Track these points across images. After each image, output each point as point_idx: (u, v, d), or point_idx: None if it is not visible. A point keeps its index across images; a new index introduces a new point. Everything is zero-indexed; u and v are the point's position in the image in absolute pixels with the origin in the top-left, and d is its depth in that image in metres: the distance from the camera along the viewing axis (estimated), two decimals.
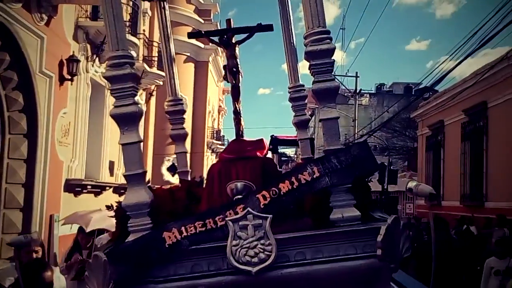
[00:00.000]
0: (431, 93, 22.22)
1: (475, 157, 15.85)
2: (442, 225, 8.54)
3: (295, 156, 46.15)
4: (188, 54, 28.47)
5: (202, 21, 30.25)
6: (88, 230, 7.60)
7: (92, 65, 12.33)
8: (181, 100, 4.55)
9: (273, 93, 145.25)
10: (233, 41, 4.13)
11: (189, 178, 4.52)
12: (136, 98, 3.00)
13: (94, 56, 12.24)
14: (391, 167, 23.11)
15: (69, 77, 10.81)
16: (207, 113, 32.35)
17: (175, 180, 16.64)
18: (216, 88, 38.56)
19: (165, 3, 4.43)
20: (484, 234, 10.61)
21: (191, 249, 2.72)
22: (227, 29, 4.16)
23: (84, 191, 11.97)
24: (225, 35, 4.14)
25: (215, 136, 35.56)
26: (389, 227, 2.65)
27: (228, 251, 2.66)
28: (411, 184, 3.32)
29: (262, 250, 2.66)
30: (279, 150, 14.88)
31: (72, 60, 10.68)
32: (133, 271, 2.65)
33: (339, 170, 2.82)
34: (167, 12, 4.42)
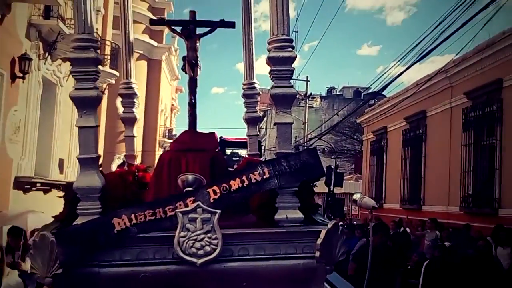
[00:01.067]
0: (376, 99, 23.16)
1: (415, 163, 16.77)
2: (382, 230, 9.09)
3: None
4: (141, 52, 28.37)
5: (156, 19, 30.24)
6: (29, 231, 7.65)
7: (44, 63, 12.32)
8: (135, 83, 4.56)
9: (226, 93, 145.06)
10: (196, 33, 4.17)
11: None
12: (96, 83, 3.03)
13: (46, 54, 12.24)
14: (338, 170, 23.98)
15: (21, 75, 10.82)
16: (159, 112, 32.31)
17: None
18: (169, 87, 38.49)
19: None
20: (417, 236, 11.35)
21: (139, 237, 2.74)
22: (190, 21, 4.20)
23: (34, 188, 11.96)
24: (188, 26, 4.18)
25: (167, 135, 35.47)
26: (328, 231, 2.80)
27: (176, 242, 2.71)
28: (356, 196, 3.74)
29: (208, 243, 2.73)
30: (226, 152, 15.23)
31: (24, 58, 10.71)
32: (80, 254, 2.66)
33: (288, 173, 2.92)
34: (129, 1, 4.48)
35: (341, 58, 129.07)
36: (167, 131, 35.78)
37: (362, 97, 39.69)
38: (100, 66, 11.74)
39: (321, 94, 48.63)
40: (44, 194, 12.79)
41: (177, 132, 41.54)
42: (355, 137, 34.71)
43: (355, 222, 16.66)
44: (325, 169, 23.20)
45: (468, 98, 13.22)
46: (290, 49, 3.07)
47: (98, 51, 3.03)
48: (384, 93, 21.35)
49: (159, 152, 32.73)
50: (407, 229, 12.42)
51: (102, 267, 2.71)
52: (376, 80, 32.19)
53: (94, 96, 2.98)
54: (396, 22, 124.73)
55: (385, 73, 53.20)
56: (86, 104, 2.99)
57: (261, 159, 4.85)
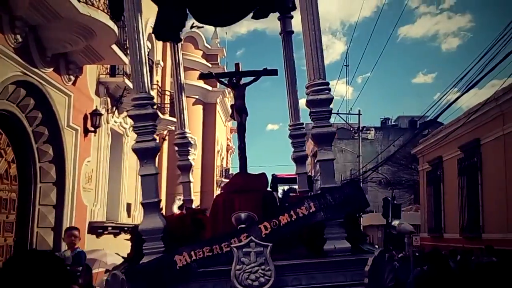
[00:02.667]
0: (429, 130, 23.11)
1: (472, 191, 16.66)
2: (440, 258, 9.07)
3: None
4: (197, 96, 29.62)
5: (210, 65, 31.59)
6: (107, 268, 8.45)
7: (112, 117, 13.48)
8: (188, 133, 4.86)
9: (281, 129, 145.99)
10: (241, 83, 4.47)
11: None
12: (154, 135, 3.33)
13: (114, 108, 13.41)
14: (395, 201, 23.87)
15: (93, 129, 11.94)
16: (216, 152, 33.25)
17: None
18: (224, 128, 39.63)
19: (177, 46, 4.83)
20: (475, 263, 11.31)
21: (199, 271, 2.94)
22: (235, 72, 4.50)
23: (105, 232, 12.91)
24: (234, 77, 4.48)
25: (224, 174, 36.31)
26: (375, 259, 2.93)
27: (232, 275, 2.89)
28: (395, 223, 4.10)
29: (262, 275, 2.90)
30: (279, 188, 15.64)
31: (96, 114, 11.84)
32: None
33: (333, 206, 3.06)
34: (180, 52, 4.83)
35: (395, 88, 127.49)
36: (223, 170, 36.63)
37: (417, 126, 39.14)
38: (161, 115, 12.72)
39: (375, 125, 48.33)
40: (114, 237, 13.72)
41: (233, 171, 42.48)
42: (412, 167, 34.20)
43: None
44: (381, 201, 22.94)
45: None
46: (327, 91, 3.26)
47: (155, 106, 3.35)
48: (440, 120, 21.21)
49: (217, 191, 33.61)
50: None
51: None
52: (431, 108, 31.82)
53: (153, 147, 3.27)
54: (451, 48, 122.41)
55: (440, 100, 51.64)
56: (146, 155, 3.28)
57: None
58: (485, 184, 15.64)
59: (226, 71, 28.86)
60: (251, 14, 4.74)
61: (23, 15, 8.61)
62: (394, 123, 52.33)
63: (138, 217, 16.14)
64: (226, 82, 4.59)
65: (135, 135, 11.96)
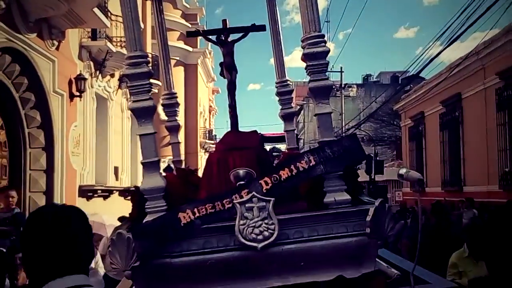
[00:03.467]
0: (411, 85, 23.35)
1: (453, 145, 17.09)
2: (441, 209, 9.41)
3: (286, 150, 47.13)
4: (178, 58, 29.34)
5: (189, 25, 31.20)
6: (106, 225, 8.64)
7: (96, 81, 13.39)
8: (175, 93, 4.81)
9: (263, 88, 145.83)
10: (229, 40, 4.37)
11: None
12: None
13: (97, 72, 13.31)
14: (377, 158, 24.35)
15: (78, 94, 11.88)
16: (198, 114, 33.28)
17: None
18: (206, 89, 39.50)
19: (160, 4, 4.72)
20: (456, 215, 11.79)
21: (203, 228, 2.96)
22: (223, 29, 4.41)
23: (95, 195, 13.05)
24: (221, 34, 4.39)
25: (207, 135, 36.43)
26: (376, 208, 2.96)
27: (236, 230, 2.92)
28: (402, 171, 3.83)
29: (266, 229, 2.95)
30: (265, 146, 15.81)
31: (80, 79, 11.76)
32: (153, 246, 2.92)
33: (332, 159, 3.08)
34: (162, 13, 4.71)
35: (377, 44, 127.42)
36: (207, 132, 36.73)
37: (399, 82, 39.29)
38: None
39: (357, 82, 48.42)
40: (103, 200, 13.90)
41: (216, 132, 42.57)
42: (395, 123, 34.56)
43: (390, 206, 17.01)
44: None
45: (500, 78, 13.50)
46: (323, 44, 3.23)
47: (149, 65, 3.30)
48: (423, 75, 21.36)
49: (201, 153, 33.80)
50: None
51: (173, 258, 2.95)
52: (414, 63, 31.76)
53: (150, 106, 3.21)
54: (433, 1, 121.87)
55: (422, 54, 51.55)
56: (144, 114, 3.22)
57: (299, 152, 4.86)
58: (466, 138, 16.05)
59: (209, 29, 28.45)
60: None
61: None
62: (376, 79, 52.44)
63: (125, 179, 16.29)
64: (214, 39, 4.46)
65: (120, 99, 12.08)
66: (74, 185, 11.90)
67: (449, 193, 16.63)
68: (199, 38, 32.70)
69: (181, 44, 29.86)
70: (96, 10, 10.81)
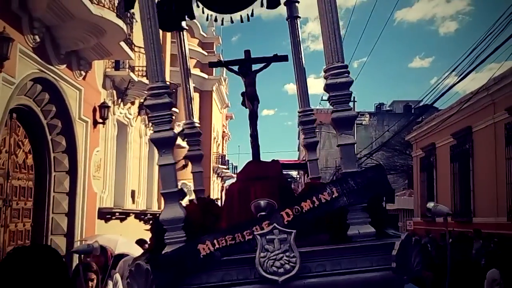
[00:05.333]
0: (423, 117, 23.69)
1: (463, 177, 17.35)
2: (466, 243, 9.47)
3: (298, 177, 47.34)
4: (194, 85, 29.83)
5: (206, 54, 32.05)
6: (116, 252, 8.93)
7: (118, 108, 14.03)
8: (197, 123, 4.77)
9: (277, 114, 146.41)
10: (252, 70, 4.35)
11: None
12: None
13: (119, 100, 13.96)
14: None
15: (101, 121, 12.50)
16: (212, 139, 33.80)
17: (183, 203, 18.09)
18: (219, 115, 40.13)
19: (182, 35, 4.70)
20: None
21: (223, 260, 2.89)
22: (245, 59, 4.40)
23: (113, 218, 13.53)
24: (244, 64, 4.38)
25: (220, 161, 36.89)
26: (402, 242, 2.86)
27: (257, 262, 2.84)
28: (430, 205, 3.65)
29: (287, 262, 2.85)
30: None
31: (104, 107, 12.40)
32: (172, 278, 2.85)
33: (356, 191, 3.00)
34: (186, 43, 4.74)
35: (391, 73, 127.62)
36: (220, 157, 37.22)
37: (412, 111, 39.30)
38: (135, 77, 12.83)
39: (369, 111, 48.55)
40: (120, 222, 14.35)
41: (229, 158, 43.01)
42: (407, 152, 34.60)
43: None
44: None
45: (509, 113, 13.83)
46: (346, 74, 3.19)
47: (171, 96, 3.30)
48: (437, 105, 21.52)
49: (213, 178, 34.22)
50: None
51: None
52: (428, 93, 31.95)
53: (170, 136, 3.18)
54: (449, 32, 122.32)
55: (437, 85, 51.57)
56: (164, 144, 3.19)
57: (322, 181, 4.94)
58: (476, 170, 16.31)
59: (222, 58, 29.32)
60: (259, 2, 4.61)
61: (41, 17, 9.14)
62: (388, 108, 52.43)
63: (141, 203, 16.76)
64: (236, 69, 4.44)
65: (139, 125, 12.62)
66: (94, 207, 12.39)
67: (458, 223, 16.81)
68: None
69: (197, 72, 30.60)
70: (122, 43, 11.45)
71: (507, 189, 13.58)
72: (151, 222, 3.74)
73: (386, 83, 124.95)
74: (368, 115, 46.81)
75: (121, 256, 9.44)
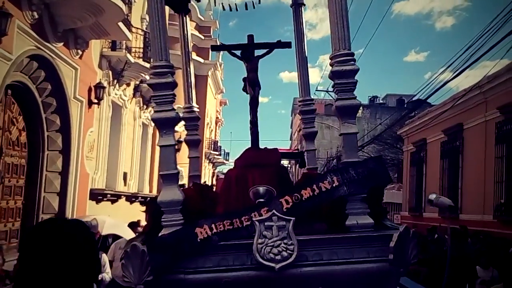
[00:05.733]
0: (416, 112, 23.84)
1: (453, 174, 17.52)
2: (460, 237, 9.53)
3: (289, 166, 47.47)
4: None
5: (203, 37, 31.90)
6: (103, 233, 9.00)
7: (113, 89, 14.00)
8: (196, 107, 4.73)
9: (271, 102, 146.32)
10: (254, 55, 4.32)
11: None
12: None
13: (115, 81, 13.92)
14: None
15: (96, 101, 12.50)
16: (205, 125, 33.75)
17: None
18: (214, 101, 40.03)
19: (186, 17, 4.70)
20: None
21: (220, 245, 2.86)
22: (248, 44, 4.35)
23: (104, 199, 13.58)
24: (247, 49, 4.33)
25: (212, 147, 36.89)
26: (400, 235, 2.85)
27: (254, 248, 2.82)
28: (432, 196, 3.65)
29: (285, 249, 2.84)
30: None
31: (99, 87, 12.38)
32: (168, 261, 2.81)
33: (356, 181, 2.97)
34: (188, 27, 4.74)
35: (387, 66, 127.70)
36: (212, 143, 37.21)
37: (405, 106, 39.39)
38: (131, 58, 12.70)
39: (363, 103, 48.71)
40: (111, 204, 14.40)
41: (221, 144, 43.02)
42: (398, 146, 34.75)
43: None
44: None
45: (501, 112, 13.97)
46: (352, 62, 3.15)
47: (175, 75, 3.21)
48: (430, 100, 21.60)
49: (205, 163, 34.24)
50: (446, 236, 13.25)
51: (187, 274, 2.84)
52: (423, 88, 32.03)
53: (172, 117, 3.12)
54: (445, 27, 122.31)
55: (431, 80, 51.78)
56: (166, 125, 3.12)
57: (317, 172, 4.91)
58: (465, 167, 16.48)
59: (218, 42, 29.20)
60: None
61: None
62: (382, 101, 52.55)
63: (133, 185, 16.81)
64: (238, 54, 4.39)
65: (133, 107, 12.63)
66: (86, 188, 12.42)
67: (445, 219, 17.00)
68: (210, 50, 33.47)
69: (193, 55, 30.41)
70: (120, 24, 11.42)
71: (494, 188, 13.76)
72: (147, 203, 3.71)
73: (380, 76, 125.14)
74: (361, 108, 46.87)
75: (108, 237, 9.51)
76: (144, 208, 3.86)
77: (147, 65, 14.95)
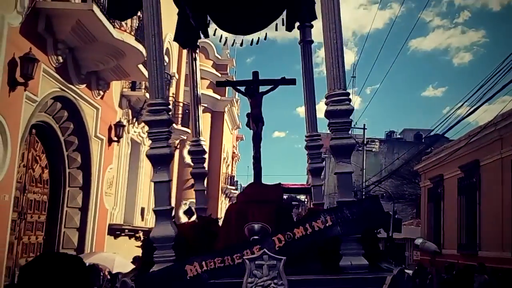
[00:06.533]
0: (432, 147, 23.85)
1: (470, 210, 17.41)
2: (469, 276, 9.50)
3: (306, 200, 47.31)
4: (206, 105, 30.38)
5: (219, 75, 32.50)
6: (114, 271, 9.12)
7: (132, 127, 14.43)
8: (203, 141, 4.85)
9: (288, 136, 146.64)
10: (259, 91, 4.40)
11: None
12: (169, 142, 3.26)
13: (134, 119, 14.36)
14: (396, 216, 24.64)
15: (116, 139, 12.93)
16: (222, 160, 34.03)
17: None
18: (230, 136, 40.43)
19: (195, 53, 4.80)
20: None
21: (209, 283, 2.84)
22: (253, 80, 4.41)
23: (122, 234, 13.80)
24: (251, 85, 4.40)
25: (228, 181, 37.06)
26: (394, 278, 2.82)
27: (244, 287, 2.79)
28: (418, 241, 4.04)
29: None
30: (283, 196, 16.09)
31: (119, 125, 12.85)
32: None
33: (350, 221, 2.93)
34: (197, 61, 4.81)
35: (404, 101, 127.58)
36: (229, 177, 37.38)
37: (423, 140, 39.26)
38: (173, 124, 13.36)
39: (380, 138, 48.59)
40: (129, 239, 14.60)
41: (238, 179, 43.16)
42: (416, 181, 34.44)
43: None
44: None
45: None
46: (347, 102, 3.13)
47: (170, 113, 3.30)
48: (448, 135, 21.55)
49: (221, 197, 34.39)
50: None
51: None
52: (440, 123, 32.01)
53: (167, 154, 3.20)
54: (463, 63, 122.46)
55: (449, 115, 51.75)
56: (160, 161, 3.19)
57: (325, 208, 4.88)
58: (483, 204, 16.38)
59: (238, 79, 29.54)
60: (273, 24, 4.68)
61: (65, 39, 9.62)
62: (399, 136, 52.42)
63: (150, 220, 17.02)
64: (243, 90, 4.48)
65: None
66: (105, 223, 12.68)
67: (464, 256, 16.83)
68: (228, 87, 34.12)
69: (210, 92, 31.03)
70: (140, 66, 11.88)
71: None
72: (142, 239, 3.78)
73: (398, 111, 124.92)
74: (378, 142, 46.76)
75: (119, 274, 9.56)
76: (139, 243, 3.96)
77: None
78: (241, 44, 5.03)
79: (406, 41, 72.23)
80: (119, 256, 10.27)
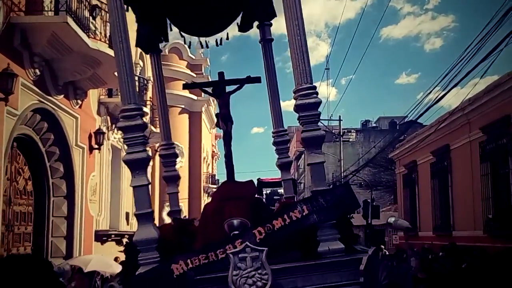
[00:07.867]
0: (405, 135, 24.52)
1: (443, 193, 18.08)
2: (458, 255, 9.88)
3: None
4: (183, 106, 30.54)
5: (194, 75, 32.61)
6: (86, 270, 9.22)
7: (112, 133, 14.67)
8: (173, 144, 4.83)
9: (266, 132, 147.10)
10: (225, 91, 4.44)
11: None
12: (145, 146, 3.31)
13: (113, 126, 14.59)
14: (374, 203, 25.29)
15: (97, 147, 13.17)
16: (202, 159, 34.19)
17: None
18: (209, 135, 40.55)
19: (158, 58, 4.84)
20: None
21: (196, 279, 2.95)
22: (218, 81, 4.46)
23: (109, 239, 14.06)
24: (217, 86, 4.46)
25: (210, 180, 37.26)
26: (370, 258, 3.01)
27: (230, 280, 2.91)
28: (391, 220, 4.28)
29: (259, 279, 2.93)
30: (264, 192, 16.11)
31: (99, 133, 13.09)
32: None
33: (325, 209, 3.06)
34: (160, 65, 4.85)
35: (379, 89, 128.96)
36: (210, 176, 37.57)
37: (398, 128, 39.95)
38: (153, 128, 13.77)
39: (356, 128, 49.28)
40: (116, 244, 14.80)
41: (219, 177, 43.40)
42: (392, 168, 35.05)
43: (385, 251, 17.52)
44: (361, 203, 24.24)
45: (483, 132, 14.60)
46: (315, 95, 3.23)
47: (145, 117, 3.59)
48: (422, 120, 22.09)
49: (204, 197, 34.61)
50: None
51: None
52: (413, 109, 32.77)
53: (144, 158, 3.25)
54: (434, 49, 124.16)
55: (421, 101, 52.40)
56: (137, 166, 3.26)
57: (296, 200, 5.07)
58: (454, 186, 17.03)
59: (210, 80, 29.77)
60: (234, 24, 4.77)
61: (41, 51, 9.84)
62: (374, 125, 53.12)
63: (135, 224, 17.24)
64: (210, 91, 4.54)
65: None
66: (91, 230, 12.94)
67: (439, 237, 17.50)
68: None
69: (186, 93, 31.12)
70: (116, 73, 12.10)
71: (482, 204, 14.32)
72: (124, 243, 3.91)
73: (373, 100, 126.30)
74: (354, 132, 47.40)
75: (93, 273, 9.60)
76: (121, 247, 4.00)
77: (145, 108, 15.70)
78: (206, 46, 5.05)
79: (376, 29, 73.65)
80: (99, 256, 10.47)
